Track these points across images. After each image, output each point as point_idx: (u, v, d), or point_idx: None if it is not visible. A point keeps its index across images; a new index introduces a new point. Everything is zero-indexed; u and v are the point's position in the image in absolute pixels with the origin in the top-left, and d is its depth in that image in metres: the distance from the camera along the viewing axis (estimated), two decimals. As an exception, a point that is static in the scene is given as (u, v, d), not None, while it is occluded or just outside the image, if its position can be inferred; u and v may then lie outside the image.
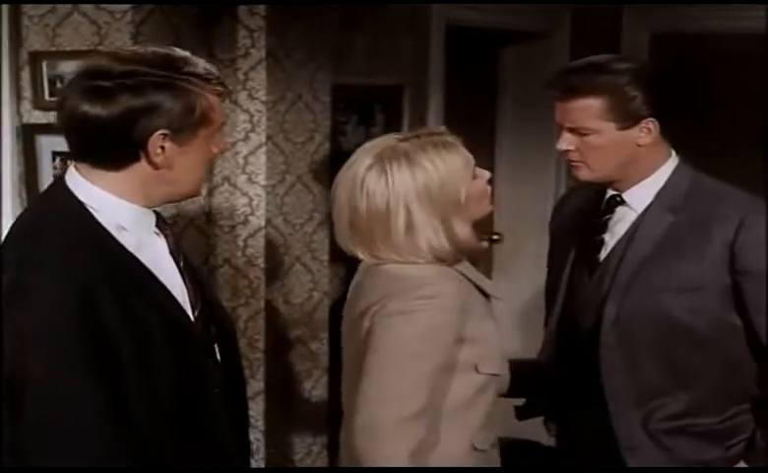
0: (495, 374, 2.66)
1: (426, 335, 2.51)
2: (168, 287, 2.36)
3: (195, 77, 2.29)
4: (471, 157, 2.68)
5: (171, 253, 2.42)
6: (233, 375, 2.57)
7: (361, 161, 2.64)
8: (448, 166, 2.61)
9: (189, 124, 2.28)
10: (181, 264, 2.43)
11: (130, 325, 2.20)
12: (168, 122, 2.25)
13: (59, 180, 2.36)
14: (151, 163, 2.27)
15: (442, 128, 2.73)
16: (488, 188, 2.72)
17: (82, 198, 2.28)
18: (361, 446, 2.48)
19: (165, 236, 2.42)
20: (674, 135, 2.96)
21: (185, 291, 2.42)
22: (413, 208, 2.58)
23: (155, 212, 2.40)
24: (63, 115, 2.29)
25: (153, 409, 2.24)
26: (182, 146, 2.29)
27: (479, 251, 2.78)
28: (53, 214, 2.30)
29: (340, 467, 2.53)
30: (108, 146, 2.25)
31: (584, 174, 2.93)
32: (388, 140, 2.67)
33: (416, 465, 2.49)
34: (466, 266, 2.71)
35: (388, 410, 2.47)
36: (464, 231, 2.64)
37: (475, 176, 2.68)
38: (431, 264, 2.61)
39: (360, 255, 2.68)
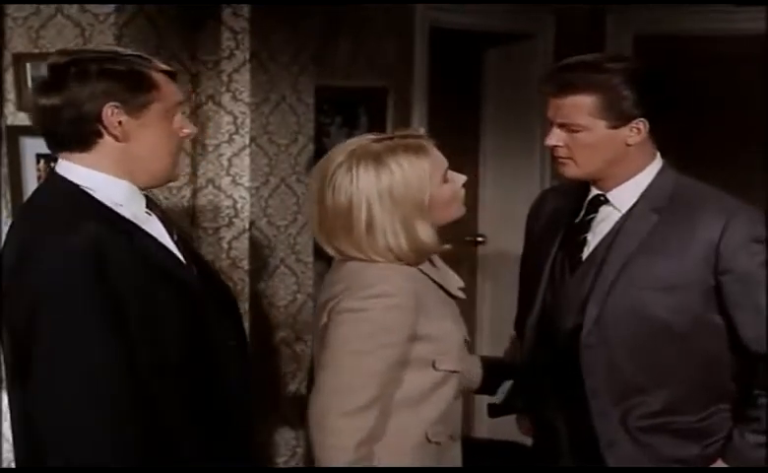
0: (454, 371, 2.72)
1: (375, 333, 2.60)
2: None
3: (136, 57, 2.52)
4: (443, 161, 2.75)
5: (165, 229, 2.59)
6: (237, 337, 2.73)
7: (334, 157, 2.72)
8: (414, 169, 2.67)
9: (136, 96, 2.46)
10: (175, 237, 2.60)
11: (137, 281, 2.38)
12: (115, 95, 2.44)
13: (51, 171, 2.57)
14: (112, 135, 2.46)
15: (421, 131, 2.82)
16: (461, 193, 2.79)
17: (76, 181, 2.46)
18: (312, 436, 2.62)
19: (157, 215, 2.59)
20: (663, 136, 2.98)
21: (181, 260, 2.59)
22: (374, 207, 2.65)
23: (145, 195, 2.57)
24: (32, 115, 2.56)
25: (163, 364, 2.41)
26: (137, 118, 2.47)
27: (439, 253, 2.82)
28: (54, 195, 2.49)
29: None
30: (70, 128, 2.45)
31: (570, 171, 2.94)
32: (363, 139, 2.74)
33: (366, 455, 2.60)
34: (430, 265, 2.77)
35: (335, 403, 2.58)
36: (426, 233, 2.69)
37: (445, 181, 2.73)
38: (391, 263, 2.68)
39: (327, 249, 2.77)
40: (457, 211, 2.80)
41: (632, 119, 2.87)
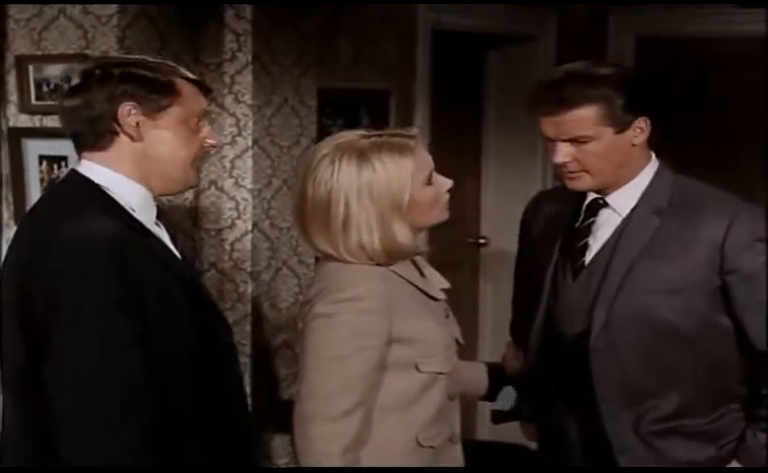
0: (440, 373, 2.69)
1: (349, 337, 2.57)
2: None
3: (162, 64, 2.60)
4: (428, 163, 2.71)
5: (172, 241, 2.64)
6: None
7: (320, 149, 2.70)
8: (397, 167, 2.64)
9: (154, 99, 2.52)
10: (179, 250, 2.66)
11: (152, 277, 2.44)
12: (133, 96, 2.50)
13: (72, 170, 2.61)
14: (127, 135, 2.52)
15: (413, 130, 2.77)
16: (444, 197, 2.74)
17: (95, 179, 2.52)
18: (297, 444, 2.60)
19: (164, 227, 2.64)
20: (664, 137, 2.98)
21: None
22: (351, 203, 2.62)
23: (156, 206, 2.62)
24: (59, 118, 2.62)
25: (173, 358, 2.46)
26: (154, 120, 2.53)
27: (415, 255, 2.79)
28: (73, 189, 2.54)
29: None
30: (86, 126, 2.52)
31: (584, 184, 2.91)
32: (351, 134, 2.71)
33: (352, 461, 2.58)
34: (404, 266, 2.73)
35: (316, 409, 2.57)
36: (402, 234, 2.66)
37: (429, 183, 2.70)
38: (364, 263, 2.65)
39: (308, 245, 2.75)
40: (439, 215, 2.75)
41: (635, 119, 2.86)
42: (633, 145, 2.88)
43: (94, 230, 2.37)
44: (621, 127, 2.85)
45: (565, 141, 2.86)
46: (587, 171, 2.88)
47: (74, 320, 2.33)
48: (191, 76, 2.62)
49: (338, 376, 2.56)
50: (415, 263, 2.80)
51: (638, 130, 2.87)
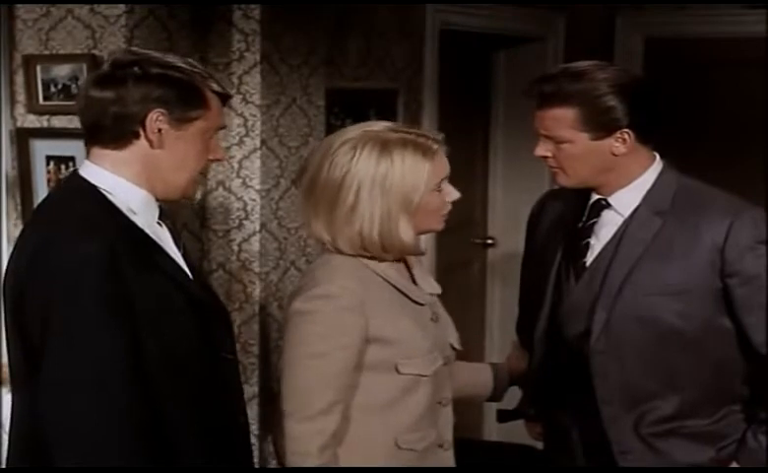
0: (422, 375, 2.68)
1: (325, 335, 2.59)
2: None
3: (197, 72, 2.54)
4: (444, 170, 2.72)
5: (174, 242, 2.60)
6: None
7: (345, 132, 2.72)
8: (415, 167, 2.64)
9: (185, 110, 2.49)
10: (182, 251, 2.62)
11: (148, 288, 2.40)
12: (166, 103, 2.46)
13: (73, 172, 2.58)
14: (148, 140, 2.47)
15: (440, 136, 2.77)
16: (447, 207, 2.75)
17: (94, 182, 2.47)
18: (278, 441, 2.66)
19: (167, 227, 2.61)
20: (666, 142, 2.96)
21: (188, 274, 2.60)
22: (362, 191, 2.63)
23: (159, 206, 2.57)
24: (77, 100, 2.56)
25: (165, 369, 2.42)
26: (178, 130, 2.49)
27: (414, 254, 2.80)
28: (71, 195, 2.50)
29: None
30: (112, 123, 2.45)
31: (562, 180, 2.95)
32: (380, 125, 2.72)
33: (333, 457, 2.60)
34: (390, 267, 2.73)
35: (294, 407, 2.60)
36: (405, 232, 2.67)
37: (439, 190, 2.71)
38: (356, 254, 2.67)
39: (307, 228, 2.76)
40: (436, 224, 2.77)
41: (616, 130, 2.84)
42: (614, 154, 2.86)
43: (87, 246, 2.32)
44: (600, 135, 2.84)
45: (545, 136, 2.88)
46: (563, 170, 2.90)
47: (62, 341, 2.30)
48: (220, 89, 2.57)
49: (315, 374, 2.59)
50: (406, 265, 2.80)
51: (620, 140, 2.85)
